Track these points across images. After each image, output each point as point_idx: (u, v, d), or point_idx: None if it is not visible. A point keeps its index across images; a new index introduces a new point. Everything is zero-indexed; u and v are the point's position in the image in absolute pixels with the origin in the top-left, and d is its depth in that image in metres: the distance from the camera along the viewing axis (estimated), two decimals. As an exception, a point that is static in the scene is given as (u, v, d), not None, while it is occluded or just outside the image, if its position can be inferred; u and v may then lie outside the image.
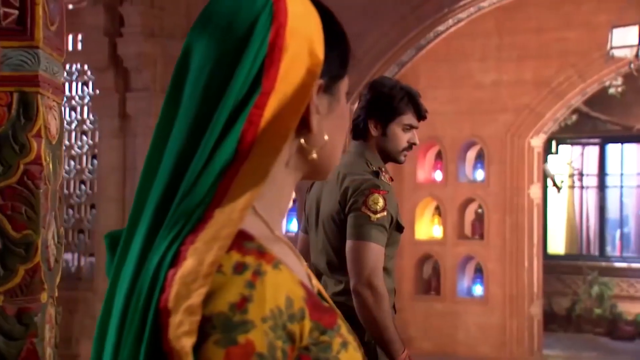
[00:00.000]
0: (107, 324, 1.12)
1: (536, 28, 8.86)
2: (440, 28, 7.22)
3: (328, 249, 3.29)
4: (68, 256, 7.91)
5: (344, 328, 1.10)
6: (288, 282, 1.04)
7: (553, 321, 11.18)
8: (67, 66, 7.77)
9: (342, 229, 3.22)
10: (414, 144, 3.37)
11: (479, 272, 9.26)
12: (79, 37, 7.71)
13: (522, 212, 8.99)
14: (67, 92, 7.83)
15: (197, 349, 1.00)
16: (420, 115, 3.39)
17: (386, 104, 3.32)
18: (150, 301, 1.03)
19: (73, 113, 7.83)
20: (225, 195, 1.06)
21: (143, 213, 1.12)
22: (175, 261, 1.03)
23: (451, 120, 9.06)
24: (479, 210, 9.25)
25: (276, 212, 1.17)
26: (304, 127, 1.15)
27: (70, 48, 7.79)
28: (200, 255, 1.02)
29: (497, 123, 8.98)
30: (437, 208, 9.32)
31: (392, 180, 3.37)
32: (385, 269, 3.25)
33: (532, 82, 8.90)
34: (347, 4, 7.16)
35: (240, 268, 1.02)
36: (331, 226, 3.28)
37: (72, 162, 7.88)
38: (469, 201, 9.19)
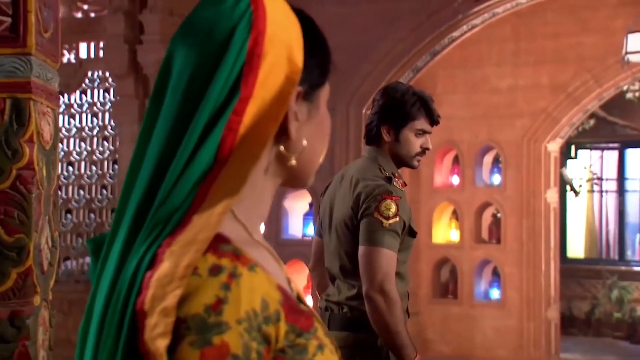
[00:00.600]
0: (89, 327, 1.12)
1: (553, 33, 8.78)
2: (455, 34, 7.18)
3: (341, 253, 3.28)
4: (89, 260, 7.94)
5: (320, 331, 1.10)
6: (264, 284, 1.04)
7: (572, 325, 11.07)
8: (89, 73, 7.82)
9: (355, 234, 3.21)
10: (427, 148, 3.35)
11: (496, 275, 9.18)
12: (100, 44, 7.74)
13: (539, 216, 8.90)
14: (88, 99, 7.87)
15: (172, 350, 1.00)
16: (433, 120, 3.35)
17: (398, 110, 3.30)
18: (127, 303, 1.04)
19: (95, 119, 7.87)
20: (203, 200, 1.06)
21: (124, 217, 1.12)
22: (153, 264, 1.03)
23: (468, 125, 9.00)
24: (497, 215, 9.18)
25: (255, 217, 1.16)
26: (282, 133, 1.15)
27: (92, 55, 7.84)
28: (176, 257, 1.02)
29: (513, 128, 8.91)
30: (454, 212, 9.25)
31: (405, 185, 3.35)
32: (399, 274, 3.24)
33: (548, 87, 8.82)
34: (363, 11, 7.15)
35: (215, 270, 1.02)
36: (344, 231, 3.27)
37: (93, 168, 7.92)
38: (486, 205, 9.12)
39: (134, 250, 1.07)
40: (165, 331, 1.00)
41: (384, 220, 3.12)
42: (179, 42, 1.15)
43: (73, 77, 7.72)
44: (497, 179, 9.15)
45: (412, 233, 3.27)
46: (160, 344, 0.99)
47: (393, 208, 3.13)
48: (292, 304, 1.08)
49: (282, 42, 1.12)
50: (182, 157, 1.07)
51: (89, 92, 7.84)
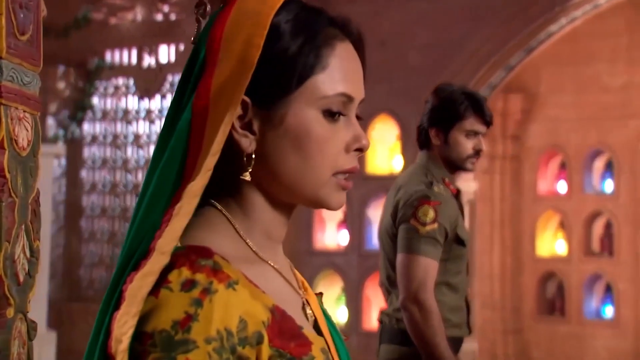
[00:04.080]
0: None
1: (672, 26, 8.43)
2: (553, 28, 6.95)
3: (386, 263, 3.30)
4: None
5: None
6: (244, 303, 1.03)
7: None
8: (169, 77, 7.99)
9: (396, 243, 3.21)
10: (480, 150, 3.29)
11: (608, 291, 8.86)
12: (181, 48, 7.91)
13: (657, 227, 8.54)
14: (168, 104, 8.05)
15: None
16: (485, 120, 3.28)
17: (445, 110, 3.27)
18: (95, 345, 1.06)
19: (175, 124, 8.05)
20: (167, 225, 1.06)
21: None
22: (119, 302, 1.04)
23: (575, 127, 8.72)
24: (609, 225, 8.85)
25: (259, 235, 1.13)
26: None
27: (172, 59, 8.01)
28: (133, 293, 1.02)
29: (627, 129, 8.57)
30: (561, 222, 8.98)
31: (457, 191, 3.30)
32: (449, 284, 3.25)
33: (667, 84, 8.46)
34: (450, 6, 7.05)
35: (188, 285, 1.01)
36: (387, 240, 3.29)
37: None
38: (596, 214, 8.81)
39: (111, 285, 1.09)
40: None
41: (420, 227, 3.12)
42: None
43: (153, 81, 7.92)
44: (609, 185, 8.83)
45: (460, 241, 3.23)
46: None
47: (431, 214, 3.12)
48: (285, 327, 1.05)
49: (238, 41, 1.09)
50: (154, 177, 1.10)
51: (169, 96, 8.01)
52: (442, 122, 3.25)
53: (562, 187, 8.99)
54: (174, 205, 1.06)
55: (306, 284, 1.21)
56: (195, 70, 1.10)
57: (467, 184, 7.20)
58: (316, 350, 1.08)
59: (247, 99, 1.09)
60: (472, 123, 3.24)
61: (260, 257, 1.12)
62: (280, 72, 1.09)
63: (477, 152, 3.28)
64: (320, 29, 1.12)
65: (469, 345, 6.85)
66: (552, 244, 9.05)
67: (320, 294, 1.25)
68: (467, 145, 3.25)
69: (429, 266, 3.09)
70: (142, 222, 1.07)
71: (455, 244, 3.21)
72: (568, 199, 8.88)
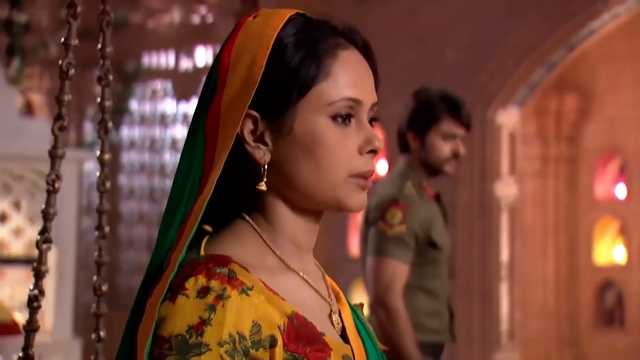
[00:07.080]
0: None
1: None
2: (595, 24, 7.05)
3: (362, 268, 3.45)
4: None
5: None
6: (258, 308, 1.14)
7: None
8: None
9: (367, 247, 3.38)
10: (458, 153, 3.42)
11: (672, 302, 8.83)
12: (218, 49, 8.24)
13: None
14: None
15: None
16: (463, 122, 3.43)
17: (421, 113, 3.41)
18: (122, 356, 1.20)
19: (213, 128, 8.36)
20: (181, 239, 1.19)
21: None
22: (142, 316, 1.17)
23: (635, 127, 8.68)
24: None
25: (286, 244, 1.25)
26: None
27: (209, 61, 8.34)
28: (149, 310, 1.16)
29: (691, 129, 8.55)
30: (620, 228, 9.00)
31: (437, 195, 3.49)
32: (426, 289, 3.39)
33: None
34: (488, 2, 7.21)
35: (203, 292, 1.13)
36: (361, 245, 3.47)
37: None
38: (658, 220, 8.81)
39: (136, 298, 1.22)
40: None
41: (388, 229, 3.26)
42: None
43: (190, 84, 8.25)
44: (672, 189, 8.81)
45: (433, 244, 3.36)
46: None
47: (398, 215, 3.26)
48: (303, 333, 1.16)
49: (244, 62, 1.20)
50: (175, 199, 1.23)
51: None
52: (419, 125, 3.38)
53: (620, 191, 8.97)
54: (187, 221, 1.18)
55: (341, 294, 1.30)
56: (208, 93, 1.22)
57: (507, 187, 7.34)
58: (336, 356, 1.18)
59: (255, 113, 1.20)
60: (448, 125, 3.37)
61: (287, 266, 1.22)
62: (283, 84, 1.20)
63: (455, 155, 3.40)
64: (322, 40, 1.22)
65: (509, 355, 6.96)
66: (610, 251, 9.02)
67: (361, 304, 1.34)
68: (444, 148, 3.37)
69: (396, 268, 3.23)
70: (161, 237, 1.21)
71: (429, 247, 3.33)
72: (627, 204, 8.85)
